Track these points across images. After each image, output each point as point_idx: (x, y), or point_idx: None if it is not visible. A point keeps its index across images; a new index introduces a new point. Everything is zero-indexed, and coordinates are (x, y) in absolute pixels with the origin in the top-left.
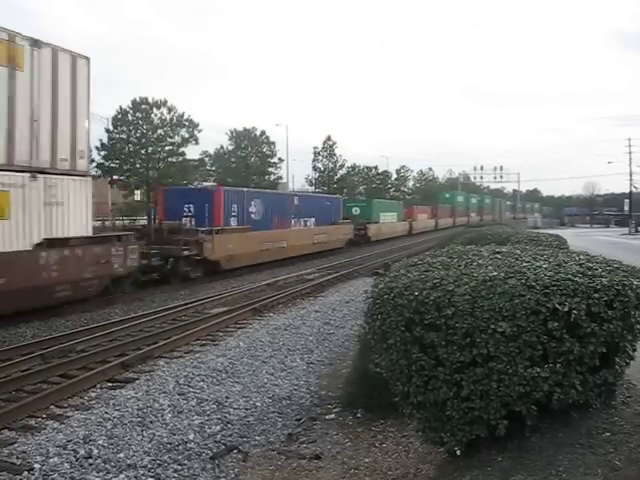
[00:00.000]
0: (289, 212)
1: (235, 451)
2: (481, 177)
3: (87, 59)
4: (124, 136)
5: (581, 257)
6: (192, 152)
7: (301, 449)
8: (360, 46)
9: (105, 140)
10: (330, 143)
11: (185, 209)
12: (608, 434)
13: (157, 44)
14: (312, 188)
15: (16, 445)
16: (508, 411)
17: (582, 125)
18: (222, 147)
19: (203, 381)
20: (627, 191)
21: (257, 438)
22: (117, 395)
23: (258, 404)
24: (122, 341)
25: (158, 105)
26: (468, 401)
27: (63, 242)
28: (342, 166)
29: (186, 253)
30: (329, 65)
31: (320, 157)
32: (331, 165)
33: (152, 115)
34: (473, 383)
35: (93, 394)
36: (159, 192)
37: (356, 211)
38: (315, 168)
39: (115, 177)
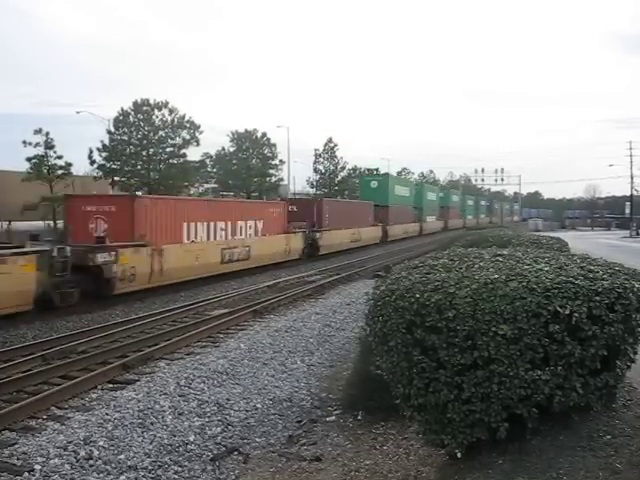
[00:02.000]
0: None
1: (236, 453)
2: (482, 179)
3: None
4: (125, 137)
5: (582, 260)
6: (193, 154)
7: (302, 451)
8: (361, 48)
9: (106, 141)
10: (331, 145)
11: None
12: (609, 437)
13: (157, 45)
14: (313, 190)
15: (17, 446)
16: (509, 414)
17: (582, 127)
18: (223, 149)
19: (204, 383)
20: (628, 194)
21: (258, 440)
22: (118, 396)
23: (259, 406)
24: (123, 342)
25: (159, 107)
26: (469, 403)
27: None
28: (343, 168)
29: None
30: (330, 67)
31: (321, 159)
32: (332, 167)
33: (153, 117)
34: (474, 385)
35: (94, 395)
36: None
37: None
38: (316, 170)
39: (116, 178)
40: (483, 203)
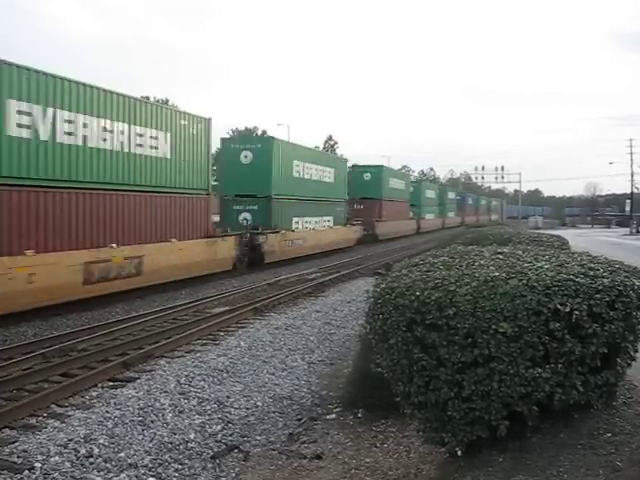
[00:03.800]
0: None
1: (236, 451)
2: (482, 177)
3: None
4: None
5: (582, 257)
6: None
7: (302, 449)
8: (361, 46)
9: None
10: (331, 143)
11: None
12: (609, 435)
13: (158, 43)
14: None
15: (17, 444)
16: (509, 411)
17: (582, 125)
18: None
19: (204, 380)
20: (628, 191)
21: (258, 438)
22: (118, 394)
23: (259, 404)
24: (123, 340)
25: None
26: (469, 401)
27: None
28: None
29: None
30: (330, 64)
31: None
32: None
33: None
34: (474, 383)
35: (94, 393)
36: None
37: None
38: None
39: None
40: (452, 196)
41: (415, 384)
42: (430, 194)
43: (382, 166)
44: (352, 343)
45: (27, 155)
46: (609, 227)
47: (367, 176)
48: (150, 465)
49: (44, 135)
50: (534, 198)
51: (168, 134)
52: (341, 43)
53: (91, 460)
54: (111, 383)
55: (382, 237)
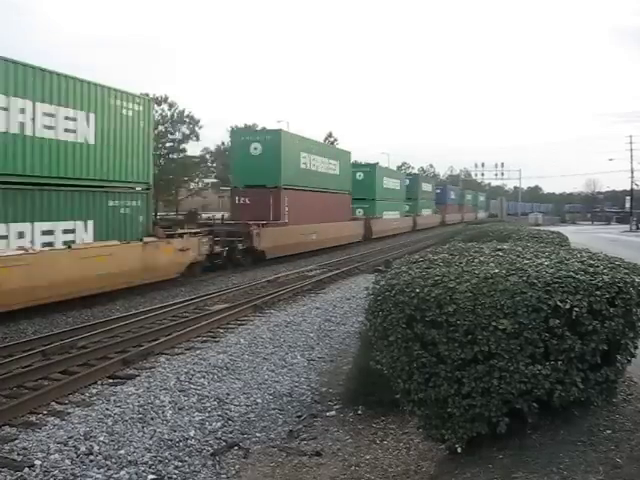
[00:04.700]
0: None
1: (236, 448)
2: (482, 174)
3: None
4: None
5: (582, 254)
6: (193, 149)
7: (302, 446)
8: (360, 42)
9: None
10: (331, 140)
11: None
12: (609, 432)
13: (157, 40)
14: None
15: (17, 442)
16: (509, 408)
17: (583, 121)
18: (223, 144)
19: (204, 377)
20: (628, 188)
21: (258, 435)
22: (118, 391)
23: (259, 401)
24: (123, 337)
25: (159, 102)
26: (469, 398)
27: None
28: None
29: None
30: (330, 61)
31: None
32: None
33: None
34: (474, 380)
35: (94, 390)
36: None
37: None
38: None
39: None
40: (428, 189)
41: (415, 381)
42: (391, 184)
43: (280, 131)
44: (352, 340)
45: None
46: (609, 224)
47: (255, 149)
48: (150, 462)
49: None
50: (534, 195)
51: None
52: (341, 40)
53: (91, 457)
54: (111, 380)
55: (273, 254)
